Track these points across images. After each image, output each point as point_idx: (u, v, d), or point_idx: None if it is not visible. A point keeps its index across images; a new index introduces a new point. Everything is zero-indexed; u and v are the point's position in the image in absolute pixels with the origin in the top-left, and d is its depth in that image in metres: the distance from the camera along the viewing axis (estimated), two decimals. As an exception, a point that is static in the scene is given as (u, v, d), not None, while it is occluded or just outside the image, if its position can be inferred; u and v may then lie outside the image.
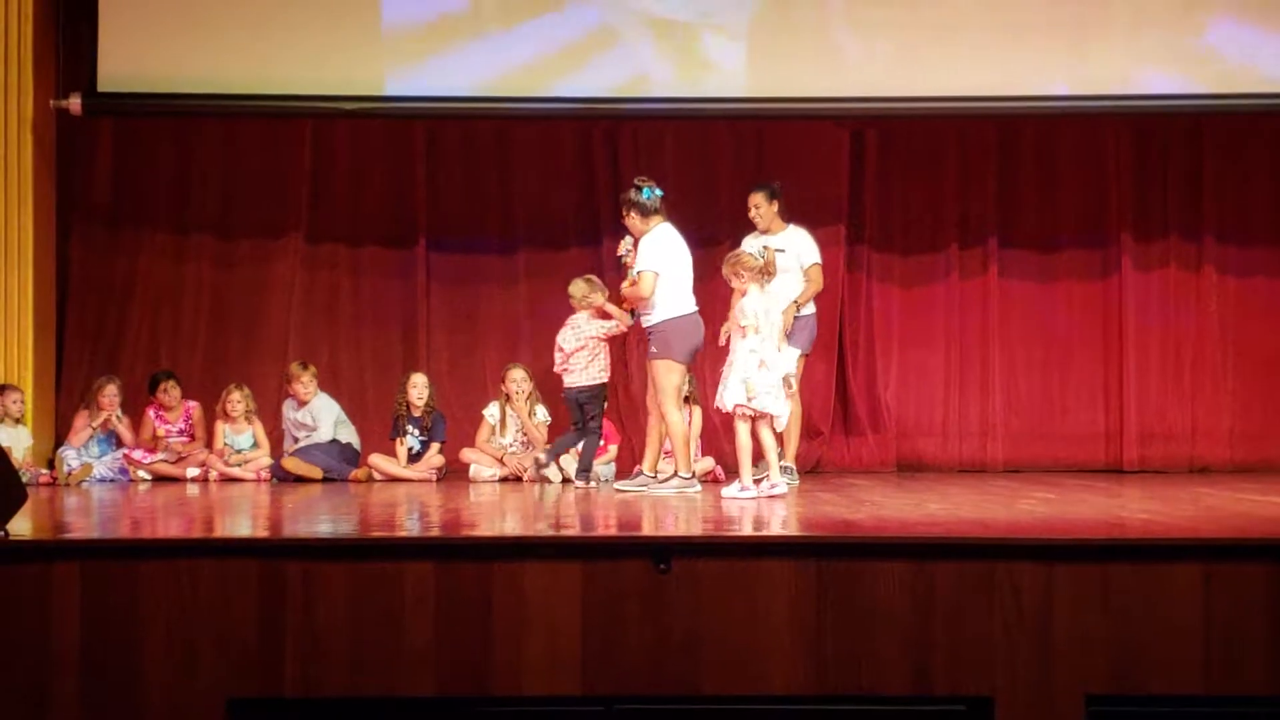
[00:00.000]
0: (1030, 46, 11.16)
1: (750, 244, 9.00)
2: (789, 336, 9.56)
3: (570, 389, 10.08)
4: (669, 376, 9.29)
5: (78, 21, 11.33)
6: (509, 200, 12.10)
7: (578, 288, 10.20)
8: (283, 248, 12.01)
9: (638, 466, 9.69)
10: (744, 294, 8.87)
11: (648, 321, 9.41)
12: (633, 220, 9.46)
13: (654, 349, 9.35)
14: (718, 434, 11.52)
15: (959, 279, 12.13)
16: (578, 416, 10.09)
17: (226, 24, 11.17)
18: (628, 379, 11.80)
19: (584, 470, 9.98)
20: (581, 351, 10.04)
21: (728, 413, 8.86)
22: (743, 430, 8.74)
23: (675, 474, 9.37)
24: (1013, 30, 11.17)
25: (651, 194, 9.43)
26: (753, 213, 10.17)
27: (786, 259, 9.95)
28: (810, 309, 10.05)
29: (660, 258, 9.33)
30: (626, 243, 9.66)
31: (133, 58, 11.16)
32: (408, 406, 11.03)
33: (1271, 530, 6.81)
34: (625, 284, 9.58)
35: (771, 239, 9.96)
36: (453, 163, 12.10)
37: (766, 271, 8.94)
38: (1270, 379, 12.02)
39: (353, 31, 11.20)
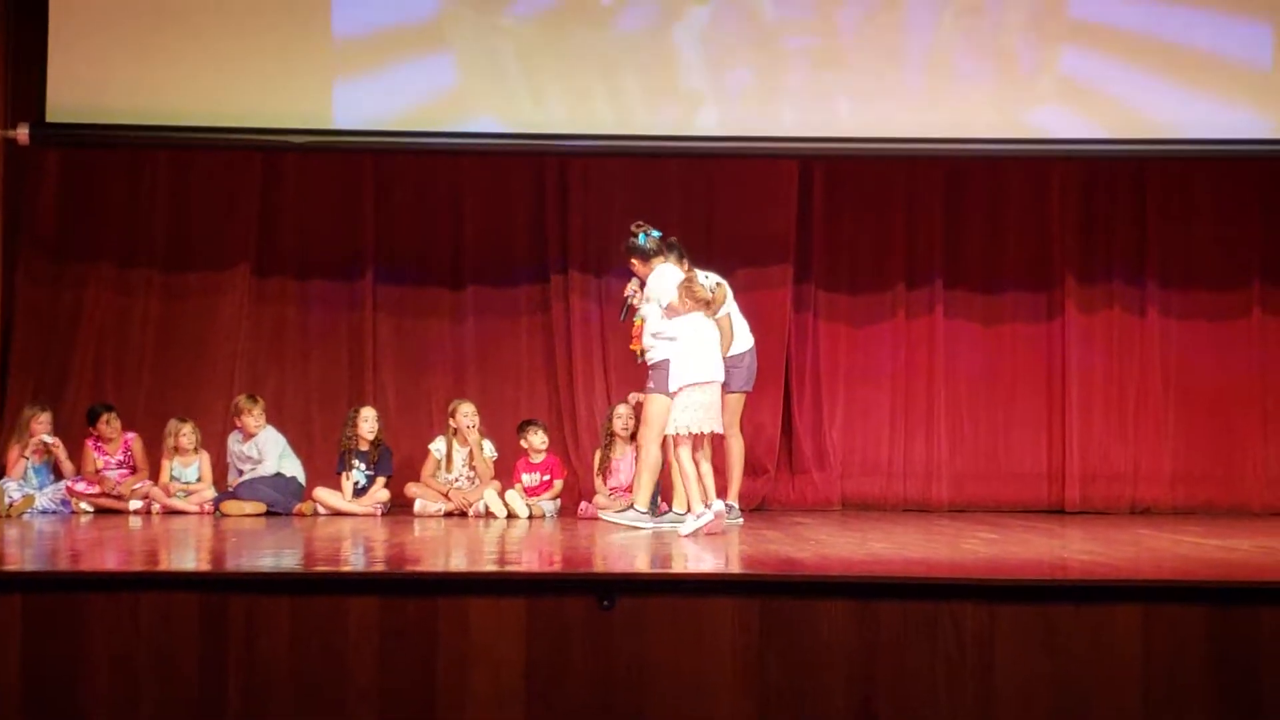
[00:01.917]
0: (976, 89, 11.26)
1: (704, 278, 9.02)
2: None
3: None
4: (661, 415, 9.29)
5: (26, 51, 11.29)
6: (459, 234, 12.11)
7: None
8: (230, 280, 11.97)
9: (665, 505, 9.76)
10: (675, 313, 8.98)
11: (649, 357, 9.48)
12: (635, 265, 9.68)
13: (652, 384, 9.44)
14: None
15: (905, 318, 12.20)
16: None
17: (176, 55, 11.14)
18: (574, 410, 11.80)
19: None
20: None
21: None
22: (684, 454, 8.76)
23: (632, 506, 9.53)
24: (959, 73, 11.27)
25: (648, 238, 9.64)
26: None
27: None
28: (744, 347, 9.92)
29: (665, 296, 9.44)
30: (633, 284, 9.81)
31: (82, 88, 11.11)
32: (356, 440, 11.00)
33: (1210, 572, 6.87)
34: (637, 326, 9.68)
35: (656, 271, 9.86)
36: (402, 195, 12.11)
37: (709, 304, 8.96)
38: (1212, 422, 12.11)
39: (302, 64, 11.18)
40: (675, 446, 8.78)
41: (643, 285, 9.65)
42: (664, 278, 9.57)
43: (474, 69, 11.25)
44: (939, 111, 11.26)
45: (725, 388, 9.35)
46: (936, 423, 12.12)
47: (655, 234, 9.66)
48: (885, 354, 12.21)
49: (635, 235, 9.72)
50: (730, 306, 9.56)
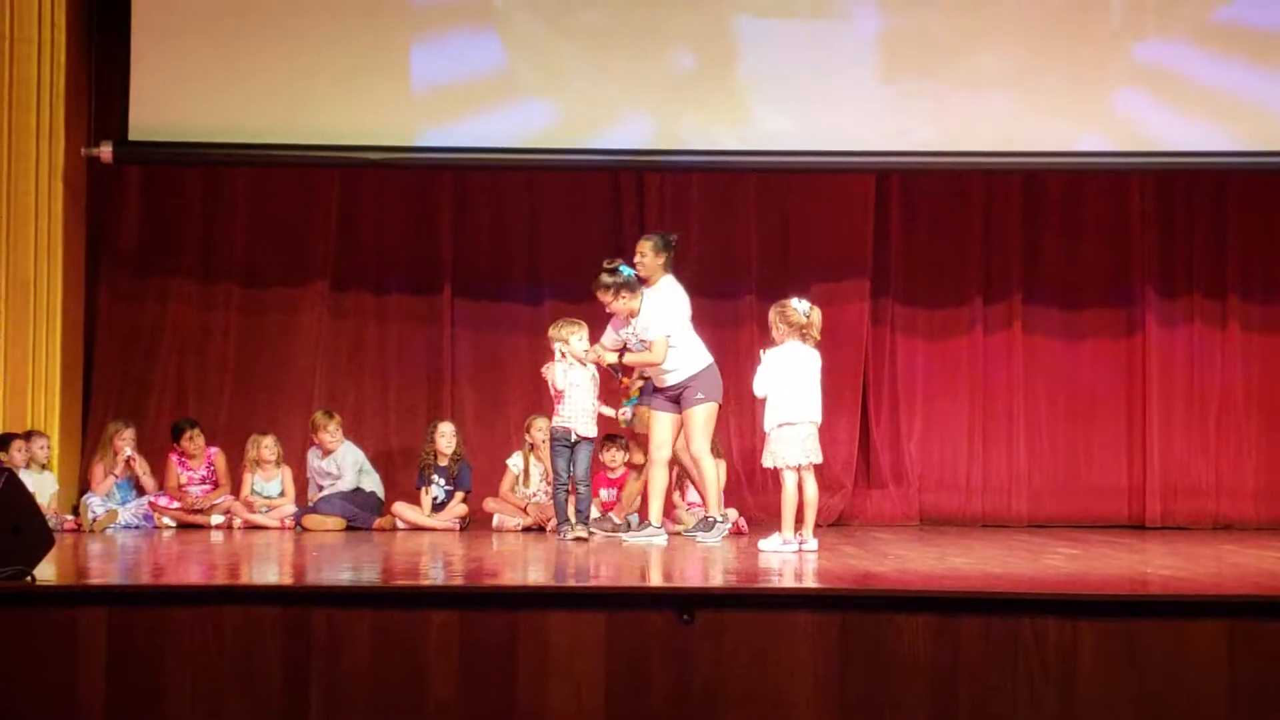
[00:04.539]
0: (1056, 100, 11.17)
1: (798, 303, 8.94)
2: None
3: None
4: (710, 420, 9.54)
5: (109, 71, 11.42)
6: (535, 249, 12.15)
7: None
8: (309, 295, 12.06)
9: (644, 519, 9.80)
10: (774, 344, 8.89)
11: (679, 377, 9.50)
12: (623, 301, 9.54)
13: (700, 394, 9.48)
14: (741, 486, 11.56)
15: (983, 333, 12.13)
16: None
17: (256, 73, 11.26)
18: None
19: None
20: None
21: (774, 469, 8.88)
22: (789, 482, 8.75)
23: (647, 521, 9.61)
24: (1039, 85, 11.19)
25: (630, 269, 9.59)
26: (637, 259, 9.82)
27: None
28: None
29: (665, 322, 9.51)
30: (619, 336, 9.66)
31: (163, 107, 11.23)
32: (435, 455, 11.05)
33: (1297, 588, 6.80)
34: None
35: (648, 290, 9.73)
36: (480, 211, 12.16)
37: (805, 330, 8.91)
38: (1295, 436, 12.00)
39: (383, 83, 11.25)
40: (784, 475, 8.77)
41: (621, 324, 9.62)
42: (662, 294, 9.60)
43: (549, 85, 11.28)
44: (1019, 124, 11.18)
45: (682, 403, 9.51)
46: (1015, 437, 12.04)
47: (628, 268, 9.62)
48: (963, 368, 12.15)
49: (616, 270, 9.53)
50: (677, 324, 9.54)
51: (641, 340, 9.58)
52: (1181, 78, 11.16)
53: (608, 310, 9.68)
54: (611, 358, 9.68)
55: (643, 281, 9.72)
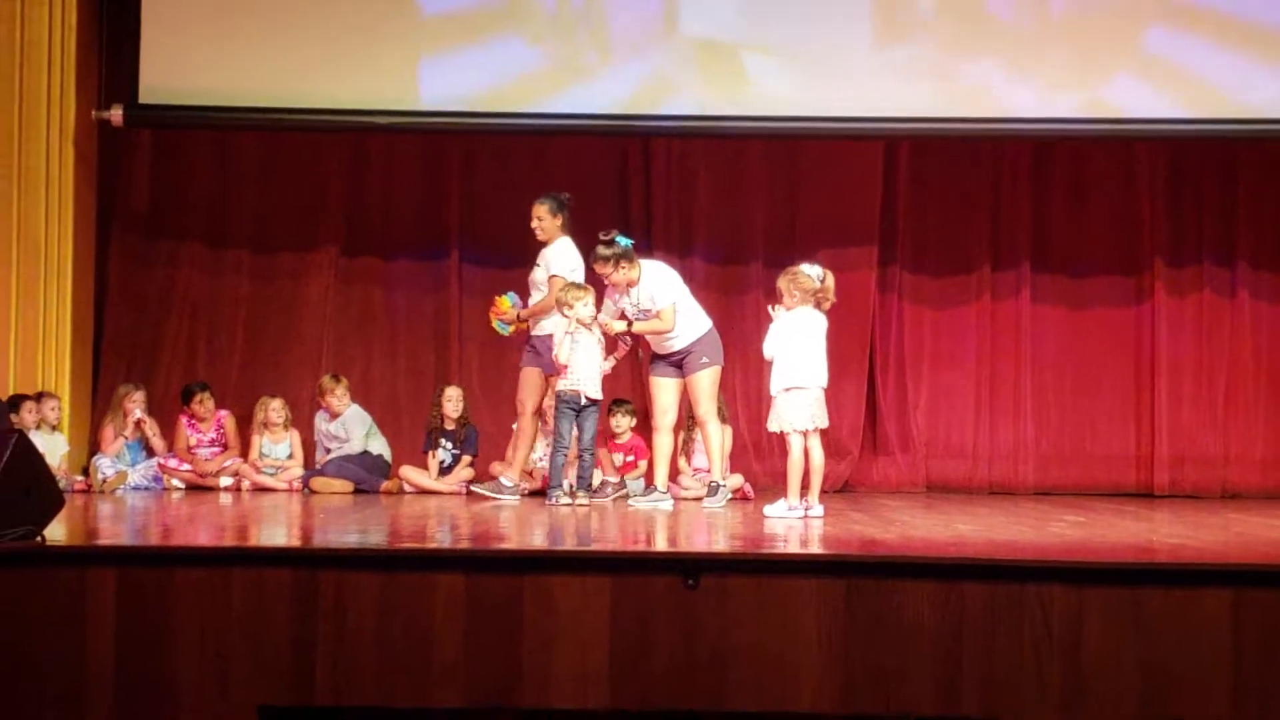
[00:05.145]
0: (1064, 68, 11.14)
1: (810, 268, 8.95)
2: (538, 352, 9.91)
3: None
4: (715, 383, 9.67)
5: (120, 34, 11.43)
6: (543, 214, 12.13)
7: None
8: (318, 261, 12.08)
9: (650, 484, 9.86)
10: (788, 310, 8.87)
11: (682, 343, 9.53)
12: (622, 271, 9.58)
13: (705, 359, 9.56)
14: (747, 452, 11.57)
15: (990, 301, 12.12)
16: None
17: (265, 38, 11.25)
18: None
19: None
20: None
21: (780, 433, 8.87)
22: (796, 447, 8.75)
23: (653, 486, 9.71)
24: (1048, 51, 11.16)
25: (628, 240, 9.66)
26: (533, 222, 10.12)
27: (538, 272, 10.09)
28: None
29: (670, 290, 9.59)
30: (620, 302, 9.70)
31: (173, 70, 11.22)
32: (441, 419, 11.07)
33: (1302, 556, 6.81)
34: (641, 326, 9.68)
35: (546, 250, 10.03)
36: (487, 176, 12.15)
37: (821, 295, 8.89)
38: (1305, 406, 11.99)
39: (389, 43, 11.25)
40: (791, 439, 8.76)
41: (618, 293, 9.66)
42: (659, 273, 9.69)
43: (554, 49, 11.26)
44: (1024, 90, 11.15)
45: (685, 369, 9.58)
46: (1022, 405, 12.04)
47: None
48: (970, 336, 12.14)
49: (612, 242, 9.57)
50: (679, 292, 9.63)
51: (644, 310, 9.60)
52: (1195, 42, 11.13)
53: (607, 282, 9.69)
54: (620, 326, 9.69)
55: (542, 244, 10.02)
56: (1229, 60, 11.13)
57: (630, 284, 9.61)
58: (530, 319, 10.11)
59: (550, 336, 9.83)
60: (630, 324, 9.68)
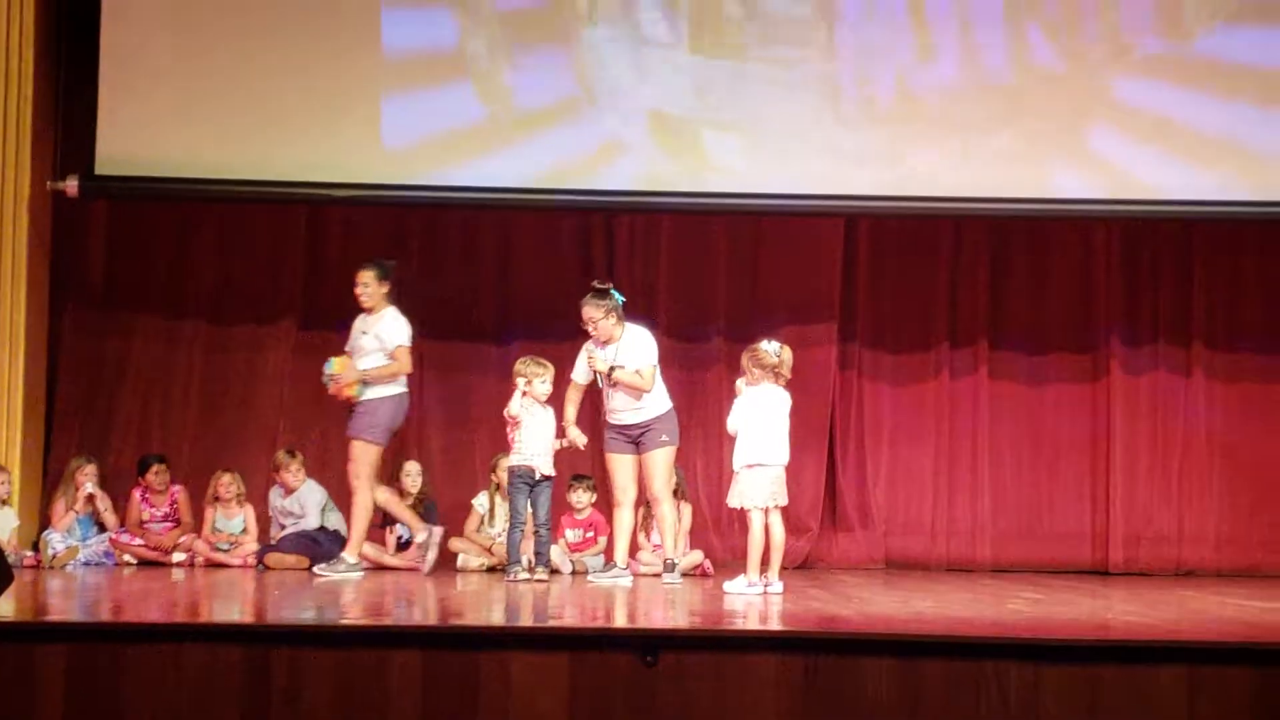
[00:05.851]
0: (1022, 146, 11.23)
1: (768, 344, 9.00)
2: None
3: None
4: (671, 463, 9.72)
5: (77, 104, 11.39)
6: (504, 290, 12.13)
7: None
8: (275, 333, 12.03)
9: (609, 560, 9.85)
10: (750, 386, 8.91)
11: (642, 416, 9.52)
12: (608, 323, 9.58)
13: (665, 437, 9.57)
14: (707, 528, 11.54)
15: (949, 378, 12.17)
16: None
17: (223, 110, 11.21)
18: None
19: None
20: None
21: (740, 509, 8.90)
22: (756, 523, 8.74)
23: (613, 562, 9.73)
24: (1005, 130, 11.24)
25: (621, 296, 9.67)
26: (359, 289, 10.10)
27: (368, 340, 10.01)
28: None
29: (653, 354, 9.64)
30: (605, 354, 9.68)
31: (130, 141, 11.19)
32: (400, 494, 11.00)
33: (1255, 634, 6.81)
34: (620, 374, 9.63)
35: (369, 320, 10.03)
36: (448, 250, 12.14)
37: (778, 371, 8.93)
38: (1257, 484, 12.02)
39: (352, 121, 11.25)
40: (751, 516, 8.78)
41: (597, 345, 9.66)
42: (643, 336, 9.72)
43: (512, 124, 11.28)
44: (982, 171, 11.23)
45: (643, 445, 9.57)
46: (980, 482, 12.07)
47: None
48: (929, 413, 12.17)
49: (607, 293, 9.62)
50: (656, 360, 9.65)
51: (617, 368, 9.57)
52: (1156, 120, 11.23)
53: (592, 330, 9.66)
54: (603, 366, 9.65)
55: (367, 311, 9.98)
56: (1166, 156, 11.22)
57: (610, 340, 9.60)
58: (365, 381, 9.98)
59: (379, 401, 9.81)
60: (611, 370, 9.63)
